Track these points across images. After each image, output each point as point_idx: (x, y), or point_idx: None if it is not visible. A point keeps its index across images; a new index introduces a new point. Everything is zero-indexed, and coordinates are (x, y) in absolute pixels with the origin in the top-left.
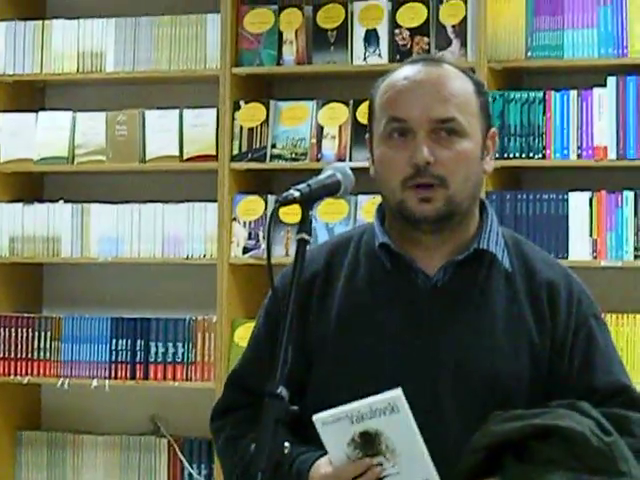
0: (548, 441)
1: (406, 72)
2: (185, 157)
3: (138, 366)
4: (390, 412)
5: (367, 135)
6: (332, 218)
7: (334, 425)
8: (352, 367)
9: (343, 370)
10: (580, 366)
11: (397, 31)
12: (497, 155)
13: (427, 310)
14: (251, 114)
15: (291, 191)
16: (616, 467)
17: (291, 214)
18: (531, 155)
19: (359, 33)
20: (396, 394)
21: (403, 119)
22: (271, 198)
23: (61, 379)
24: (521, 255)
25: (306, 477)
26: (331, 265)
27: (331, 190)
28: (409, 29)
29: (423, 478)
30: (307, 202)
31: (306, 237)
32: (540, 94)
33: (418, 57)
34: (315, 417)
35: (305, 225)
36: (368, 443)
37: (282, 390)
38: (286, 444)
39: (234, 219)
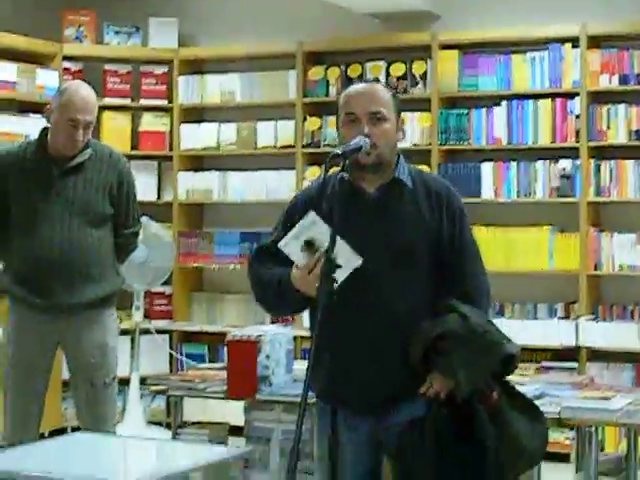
0: (446, 340)
1: (354, 87)
2: (278, 146)
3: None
4: (313, 225)
5: (336, 124)
6: None
7: (289, 244)
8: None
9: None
10: (452, 236)
11: (389, 78)
12: (443, 142)
13: (369, 211)
14: (312, 123)
15: (337, 150)
16: (477, 334)
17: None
18: (461, 142)
19: (369, 78)
20: (310, 214)
21: (353, 112)
22: (323, 168)
23: (213, 264)
24: (421, 179)
25: (288, 278)
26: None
27: (357, 149)
28: (396, 77)
29: (351, 261)
30: (345, 156)
31: (344, 175)
32: (466, 110)
33: (360, 80)
34: (279, 244)
35: (345, 169)
36: (310, 247)
37: None
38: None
39: (304, 178)
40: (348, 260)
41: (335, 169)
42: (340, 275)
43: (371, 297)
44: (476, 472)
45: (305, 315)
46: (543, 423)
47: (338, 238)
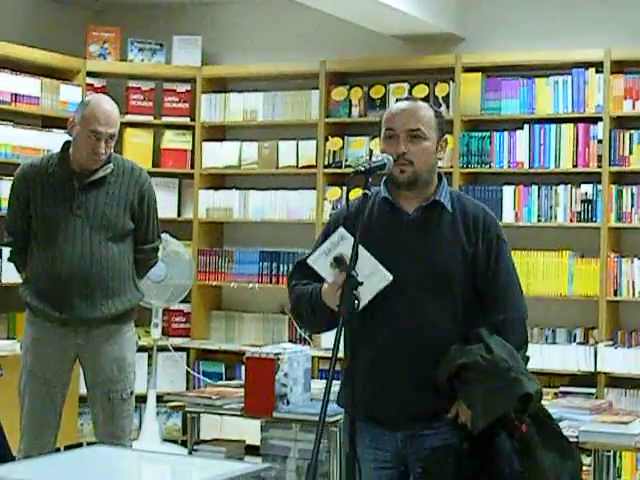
0: (468, 371)
1: (397, 104)
2: (300, 165)
3: (273, 276)
4: (341, 240)
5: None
6: None
7: (318, 260)
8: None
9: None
10: (487, 261)
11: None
12: (465, 165)
13: (406, 231)
14: (334, 143)
15: (360, 167)
16: (499, 369)
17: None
18: (483, 166)
19: (392, 101)
20: (339, 230)
21: (392, 129)
22: (344, 188)
23: (232, 283)
24: (460, 203)
25: (319, 291)
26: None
27: (380, 167)
28: (420, 98)
29: (380, 279)
30: (368, 173)
31: (367, 192)
32: (488, 133)
33: (404, 97)
34: (308, 260)
35: (367, 186)
36: (340, 263)
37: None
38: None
39: (325, 199)
40: (377, 276)
41: (377, 187)
42: (369, 292)
43: (406, 317)
44: None
45: (324, 336)
46: (575, 459)
47: (368, 254)
